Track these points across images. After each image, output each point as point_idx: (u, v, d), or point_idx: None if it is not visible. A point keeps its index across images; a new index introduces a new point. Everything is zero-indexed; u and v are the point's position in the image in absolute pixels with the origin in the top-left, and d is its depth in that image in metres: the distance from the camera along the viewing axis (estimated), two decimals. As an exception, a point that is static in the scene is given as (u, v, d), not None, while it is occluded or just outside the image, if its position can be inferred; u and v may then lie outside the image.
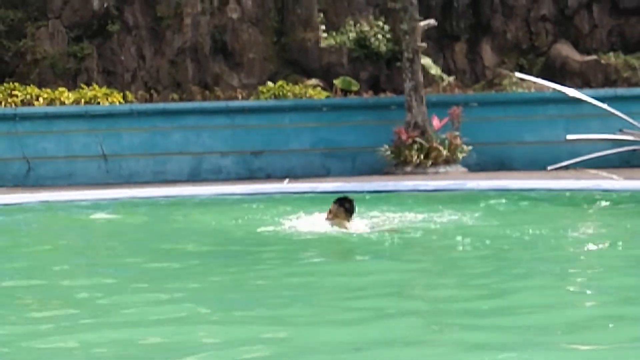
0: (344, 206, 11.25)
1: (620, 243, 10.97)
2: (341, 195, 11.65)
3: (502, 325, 6.94)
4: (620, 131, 20.42)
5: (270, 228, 11.78)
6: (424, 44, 20.71)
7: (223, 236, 12.25)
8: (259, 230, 11.82)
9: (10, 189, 19.03)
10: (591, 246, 11.07)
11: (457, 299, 7.95)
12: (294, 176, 20.08)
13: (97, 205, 16.33)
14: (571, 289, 8.25)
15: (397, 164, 19.83)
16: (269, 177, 20.37)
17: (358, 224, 11.45)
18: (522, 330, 6.58)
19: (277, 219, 12.62)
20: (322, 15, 23.31)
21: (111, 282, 9.06)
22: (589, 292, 8.19)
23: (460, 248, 10.44)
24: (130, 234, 13.43)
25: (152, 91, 22.58)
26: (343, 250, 11.05)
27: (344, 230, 11.16)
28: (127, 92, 22.03)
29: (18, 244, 12.72)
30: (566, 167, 19.75)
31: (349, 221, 11.25)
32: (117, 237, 13.17)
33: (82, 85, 21.84)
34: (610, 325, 6.82)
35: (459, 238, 10.85)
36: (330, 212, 11.29)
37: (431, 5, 22.22)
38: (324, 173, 20.59)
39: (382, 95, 22.07)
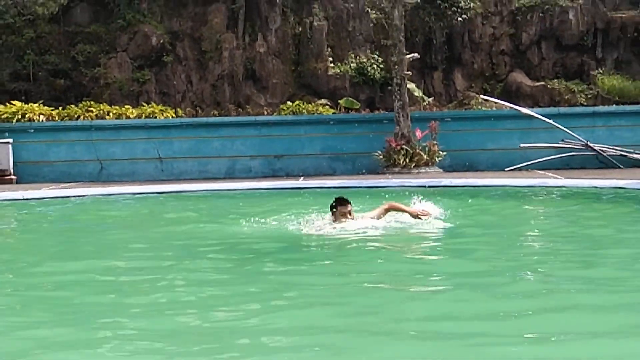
0: (344, 204, 9.73)
1: (552, 223, 11.29)
2: (338, 196, 10.14)
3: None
4: (562, 141, 20.44)
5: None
6: (409, 72, 20.57)
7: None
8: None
9: (87, 184, 19.11)
10: (531, 224, 11.31)
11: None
12: (307, 175, 20.08)
13: (153, 195, 16.46)
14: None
15: (388, 166, 19.74)
16: (287, 175, 20.30)
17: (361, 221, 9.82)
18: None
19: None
20: (330, 49, 23.13)
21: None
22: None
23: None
24: (179, 213, 13.43)
25: (197, 108, 22.49)
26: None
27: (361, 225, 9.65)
28: (178, 109, 21.93)
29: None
30: (520, 169, 19.81)
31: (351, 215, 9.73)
32: (176, 213, 13.45)
33: (143, 104, 21.79)
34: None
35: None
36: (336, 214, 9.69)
37: (415, 42, 22.10)
38: (331, 172, 20.52)
39: (376, 112, 21.95)
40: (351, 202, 9.76)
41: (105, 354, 4.99)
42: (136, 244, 10.01)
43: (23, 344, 5.31)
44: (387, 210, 9.85)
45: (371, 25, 23.20)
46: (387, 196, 14.09)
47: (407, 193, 15.77)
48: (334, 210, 9.63)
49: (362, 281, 7.01)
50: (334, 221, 9.61)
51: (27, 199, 15.92)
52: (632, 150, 20.35)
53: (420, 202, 10.39)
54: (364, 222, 9.61)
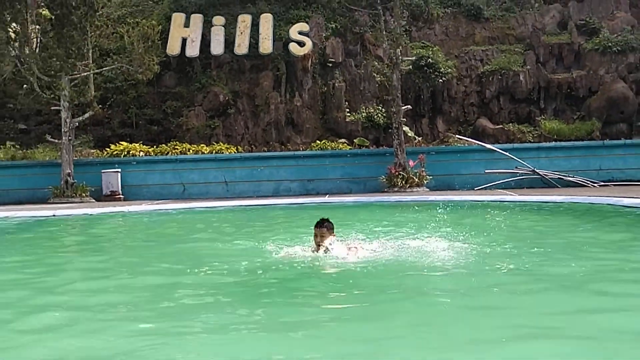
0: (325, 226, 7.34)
1: (507, 225, 11.30)
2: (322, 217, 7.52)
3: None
4: (516, 168, 20.49)
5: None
6: (404, 119, 20.68)
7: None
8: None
9: (174, 201, 19.14)
10: (493, 225, 10.97)
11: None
12: (331, 193, 20.08)
13: (222, 209, 16.69)
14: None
15: (389, 187, 19.73)
16: (317, 194, 20.31)
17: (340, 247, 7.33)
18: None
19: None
20: (347, 103, 23.11)
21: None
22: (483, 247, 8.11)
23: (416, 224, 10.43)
24: (243, 220, 13.48)
25: (252, 146, 22.53)
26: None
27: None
28: (239, 147, 22.00)
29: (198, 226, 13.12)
30: (485, 188, 19.81)
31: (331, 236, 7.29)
32: (237, 220, 13.42)
33: (213, 143, 21.98)
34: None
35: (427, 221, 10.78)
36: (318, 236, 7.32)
37: (408, 97, 22.07)
38: (348, 191, 20.51)
39: (380, 148, 21.95)
40: (332, 228, 7.42)
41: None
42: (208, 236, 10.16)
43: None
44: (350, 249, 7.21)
45: (376, 85, 23.19)
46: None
47: (402, 207, 16.09)
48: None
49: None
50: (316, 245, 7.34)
51: (131, 212, 16.28)
52: (566, 174, 20.41)
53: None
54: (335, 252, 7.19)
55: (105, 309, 5.50)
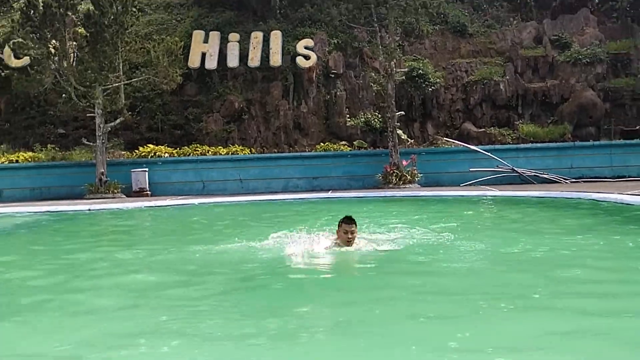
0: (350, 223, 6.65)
1: (488, 215, 11.39)
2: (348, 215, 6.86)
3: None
4: (497, 166, 20.55)
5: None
6: (398, 124, 20.71)
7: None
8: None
9: (195, 196, 19.16)
10: (475, 216, 11.23)
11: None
12: (334, 189, 20.07)
13: (238, 203, 16.76)
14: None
15: (385, 183, 19.75)
16: (321, 190, 20.24)
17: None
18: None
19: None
20: (347, 109, 23.10)
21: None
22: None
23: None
24: (254, 214, 13.45)
25: (264, 148, 22.53)
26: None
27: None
28: (252, 148, 22.07)
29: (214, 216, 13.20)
30: (470, 185, 19.86)
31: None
32: (253, 212, 13.50)
33: (230, 145, 22.03)
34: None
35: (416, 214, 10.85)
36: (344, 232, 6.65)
37: (401, 104, 21.92)
38: (349, 188, 20.49)
39: (377, 149, 21.92)
40: (357, 224, 6.78)
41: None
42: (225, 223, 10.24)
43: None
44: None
45: (373, 94, 23.12)
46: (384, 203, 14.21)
47: (396, 201, 16.14)
48: (340, 225, 6.78)
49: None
50: (337, 239, 6.78)
51: (158, 206, 16.33)
52: (541, 172, 20.46)
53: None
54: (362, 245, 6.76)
55: (163, 286, 5.70)
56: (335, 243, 6.79)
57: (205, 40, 23.63)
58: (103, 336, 4.06)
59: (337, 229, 6.89)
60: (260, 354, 3.57)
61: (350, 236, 6.65)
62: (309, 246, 6.72)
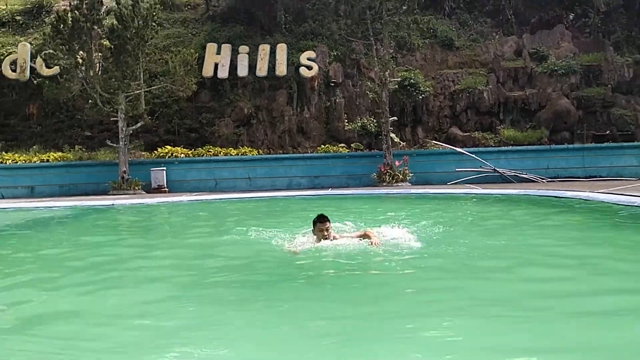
0: (323, 221, 6.57)
1: (472, 211, 11.49)
2: (320, 213, 6.81)
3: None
4: (480, 167, 20.60)
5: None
6: (392, 128, 20.80)
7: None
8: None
9: (208, 193, 19.24)
10: (459, 211, 11.37)
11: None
12: (333, 187, 20.12)
13: (246, 199, 16.87)
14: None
15: (380, 182, 19.78)
16: (322, 187, 20.31)
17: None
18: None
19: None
20: (345, 115, 23.10)
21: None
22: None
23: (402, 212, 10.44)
24: (263, 209, 13.67)
25: (270, 149, 22.52)
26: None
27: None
28: (260, 150, 22.10)
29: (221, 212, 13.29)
30: (455, 183, 19.90)
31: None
32: (261, 209, 13.62)
33: (239, 147, 22.08)
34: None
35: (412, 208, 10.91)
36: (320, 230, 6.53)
37: (394, 111, 21.97)
38: (347, 186, 20.55)
39: (372, 151, 21.91)
40: (330, 221, 6.63)
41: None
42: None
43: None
44: (364, 236, 6.58)
45: (369, 101, 23.08)
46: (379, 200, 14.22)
47: (390, 198, 16.23)
48: (315, 225, 6.66)
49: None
50: (316, 238, 6.60)
51: (175, 201, 16.49)
52: (520, 172, 20.55)
53: (393, 227, 7.55)
54: (341, 241, 6.55)
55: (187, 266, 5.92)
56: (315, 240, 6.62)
57: (218, 52, 23.66)
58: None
59: (312, 228, 6.72)
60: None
61: (325, 233, 6.53)
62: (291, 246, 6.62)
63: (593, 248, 6.84)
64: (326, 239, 6.52)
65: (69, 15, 19.58)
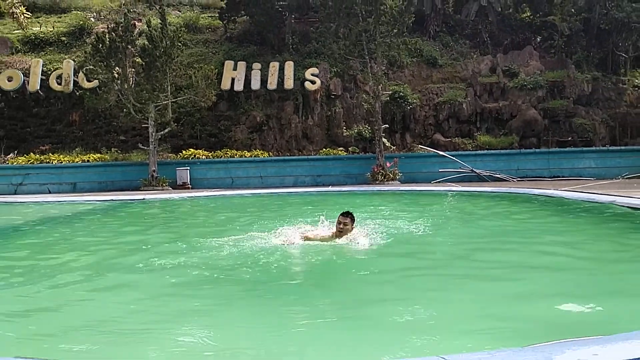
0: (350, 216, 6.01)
1: (450, 205, 11.47)
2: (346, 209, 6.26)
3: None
4: (460, 168, 20.63)
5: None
6: (383, 134, 20.76)
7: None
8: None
9: (225, 189, 19.19)
10: (439, 205, 11.41)
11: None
12: (333, 184, 20.04)
13: (259, 195, 16.86)
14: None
15: (373, 180, 19.71)
16: (323, 185, 20.24)
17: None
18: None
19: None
20: (344, 123, 23.08)
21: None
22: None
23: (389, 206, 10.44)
24: (271, 204, 13.68)
25: (279, 152, 22.48)
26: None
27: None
28: (270, 153, 22.05)
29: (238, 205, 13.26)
30: (439, 182, 19.83)
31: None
32: (271, 204, 13.60)
33: (253, 150, 22.04)
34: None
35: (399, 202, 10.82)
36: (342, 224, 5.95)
37: (386, 119, 21.94)
38: (345, 183, 20.37)
39: (367, 154, 21.79)
40: (353, 220, 6.04)
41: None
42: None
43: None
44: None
45: (364, 111, 22.88)
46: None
47: (382, 194, 16.18)
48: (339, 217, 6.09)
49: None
50: (335, 230, 6.03)
51: (198, 197, 16.42)
52: (494, 172, 20.54)
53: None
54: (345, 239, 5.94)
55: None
56: (331, 234, 6.05)
57: (235, 69, 23.62)
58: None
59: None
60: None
61: (342, 227, 5.93)
62: (308, 233, 6.12)
63: (556, 236, 6.82)
64: (341, 232, 5.90)
65: (107, 36, 19.65)
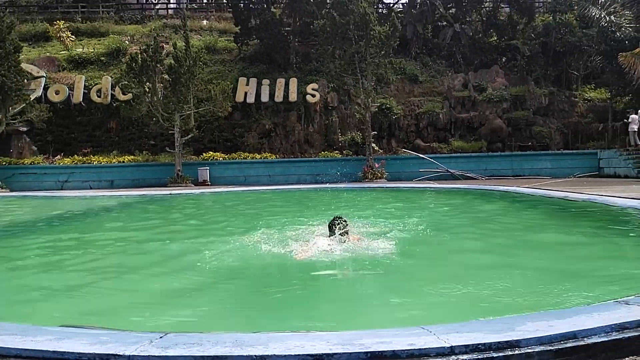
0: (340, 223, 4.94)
1: (430, 200, 11.49)
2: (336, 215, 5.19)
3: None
4: (437, 168, 20.63)
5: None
6: (373, 140, 20.79)
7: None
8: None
9: (239, 186, 19.18)
10: (419, 200, 11.41)
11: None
12: (330, 182, 19.72)
13: (266, 191, 16.78)
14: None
15: (364, 179, 19.70)
16: (322, 182, 20.00)
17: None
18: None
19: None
20: (339, 130, 23.04)
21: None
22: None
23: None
24: (277, 199, 13.65)
25: (285, 155, 22.44)
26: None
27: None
28: (277, 155, 22.01)
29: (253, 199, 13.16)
30: (419, 180, 19.92)
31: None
32: (278, 198, 13.62)
33: (262, 153, 22.05)
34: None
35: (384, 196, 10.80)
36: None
37: (375, 127, 21.87)
38: (340, 181, 20.01)
39: (359, 156, 21.73)
40: (343, 223, 4.97)
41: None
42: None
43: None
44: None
45: (356, 120, 22.80)
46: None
47: (372, 191, 16.17)
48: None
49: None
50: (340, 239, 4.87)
51: (215, 192, 16.42)
52: (466, 172, 20.56)
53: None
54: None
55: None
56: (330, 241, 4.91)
57: (247, 84, 23.55)
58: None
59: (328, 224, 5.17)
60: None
61: (340, 232, 4.92)
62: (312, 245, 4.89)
63: (513, 224, 6.86)
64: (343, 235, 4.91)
65: (139, 56, 19.64)
